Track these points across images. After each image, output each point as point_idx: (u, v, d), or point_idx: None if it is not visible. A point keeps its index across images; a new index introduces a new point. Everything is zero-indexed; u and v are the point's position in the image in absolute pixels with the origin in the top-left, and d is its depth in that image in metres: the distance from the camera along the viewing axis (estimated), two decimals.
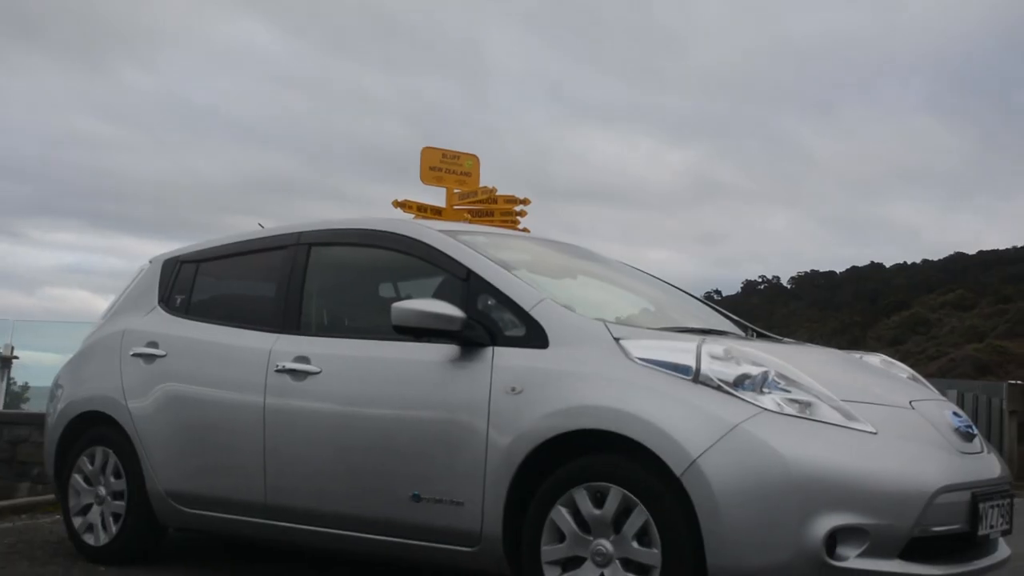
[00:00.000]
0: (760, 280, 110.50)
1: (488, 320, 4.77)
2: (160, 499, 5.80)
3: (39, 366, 15.65)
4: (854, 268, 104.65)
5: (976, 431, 4.72)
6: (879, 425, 4.23)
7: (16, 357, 13.80)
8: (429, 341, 4.80)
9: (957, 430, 4.55)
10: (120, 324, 6.35)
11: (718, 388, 4.18)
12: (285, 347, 5.39)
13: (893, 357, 5.59)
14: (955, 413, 4.72)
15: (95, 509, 6.10)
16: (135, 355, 6.06)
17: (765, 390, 4.20)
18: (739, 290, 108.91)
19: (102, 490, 6.07)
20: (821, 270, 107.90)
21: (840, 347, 5.92)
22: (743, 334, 5.46)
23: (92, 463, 6.14)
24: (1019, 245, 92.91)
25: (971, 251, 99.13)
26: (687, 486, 4.04)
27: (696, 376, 4.22)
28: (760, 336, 5.62)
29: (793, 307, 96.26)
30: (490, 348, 4.69)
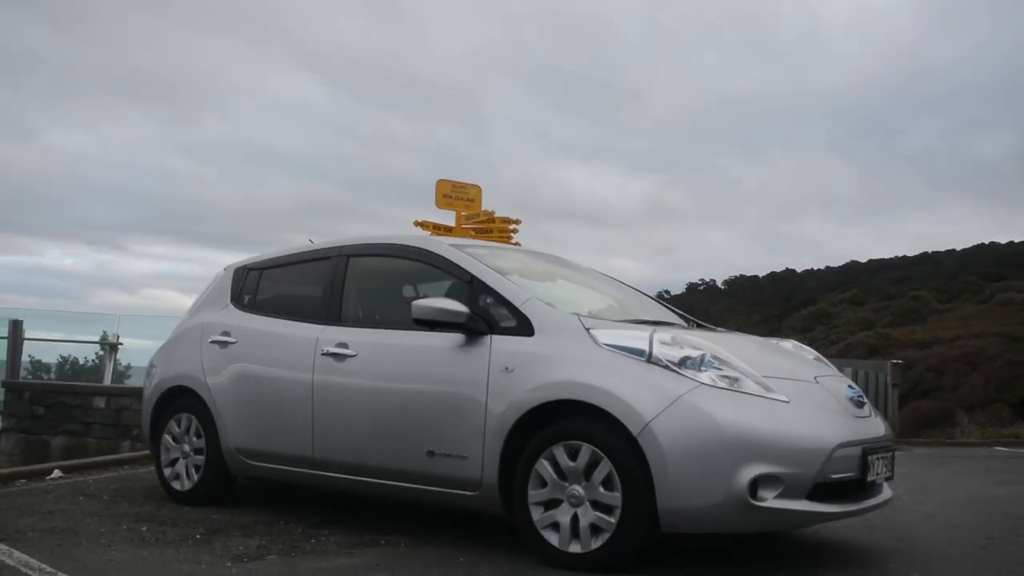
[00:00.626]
0: (700, 282, 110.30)
1: (487, 314, 4.76)
2: (231, 454, 5.77)
3: (138, 350, 15.64)
4: (773, 273, 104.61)
5: (866, 400, 4.71)
6: (791, 396, 4.23)
7: (121, 343, 13.75)
8: (441, 331, 4.79)
9: (851, 399, 4.55)
10: (201, 318, 6.31)
11: (666, 367, 4.18)
12: (329, 335, 5.36)
13: (802, 342, 5.58)
14: (850, 386, 4.72)
15: (181, 462, 6.06)
16: (212, 342, 6.02)
17: (703, 368, 4.20)
18: (684, 290, 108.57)
19: (186, 447, 6.04)
20: (748, 274, 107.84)
21: (762, 335, 5.90)
22: (686, 325, 5.44)
23: (179, 426, 6.11)
24: (900, 255, 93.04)
25: (863, 259, 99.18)
26: (642, 444, 4.03)
27: (649, 358, 4.22)
28: (699, 326, 5.60)
29: (726, 303, 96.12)
30: (488, 336, 4.68)
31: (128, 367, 15.52)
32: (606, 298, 5.75)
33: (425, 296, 5.24)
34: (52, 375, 15.36)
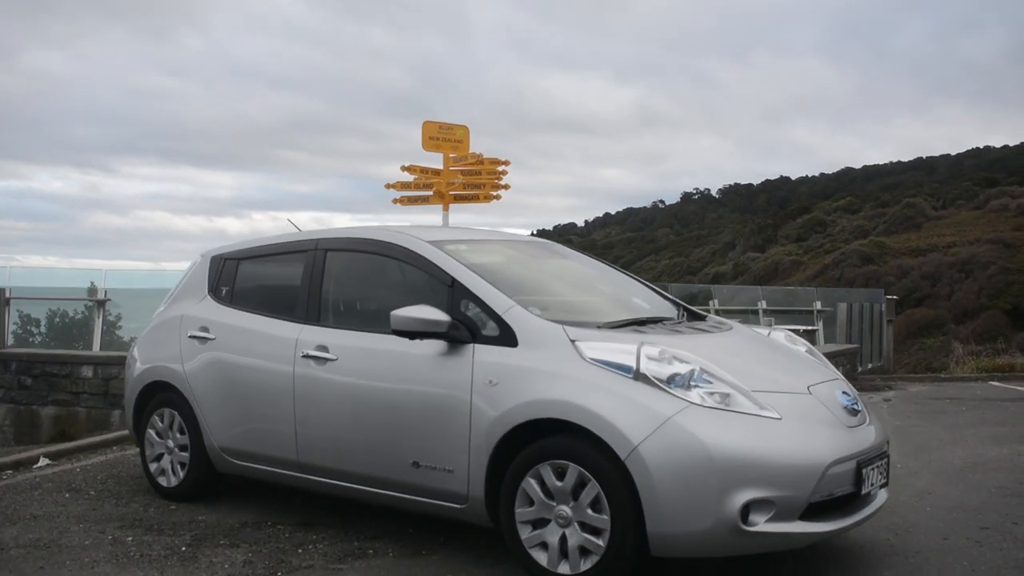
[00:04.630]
0: (695, 192, 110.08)
1: (469, 321, 4.61)
2: (215, 453, 5.67)
3: (128, 295, 15.49)
4: (767, 181, 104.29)
5: (860, 406, 4.58)
6: (783, 411, 4.10)
7: (108, 299, 13.58)
8: (422, 339, 4.63)
9: (845, 407, 4.42)
10: (179, 310, 6.15)
11: (654, 385, 4.04)
12: (308, 336, 5.21)
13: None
14: (844, 392, 4.58)
15: (166, 458, 5.97)
16: (191, 336, 5.87)
17: (692, 385, 4.07)
18: (678, 199, 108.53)
19: (170, 443, 5.94)
20: (742, 182, 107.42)
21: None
22: (676, 318, 5.25)
23: (162, 421, 6.00)
24: (894, 160, 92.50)
25: (857, 165, 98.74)
26: (630, 467, 3.92)
27: (636, 375, 4.08)
28: (690, 314, 5.43)
29: (720, 212, 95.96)
30: (471, 345, 4.54)
31: (118, 317, 15.38)
32: (594, 290, 5.59)
33: (406, 293, 5.09)
34: (43, 329, 15.22)
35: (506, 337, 4.46)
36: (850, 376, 13.65)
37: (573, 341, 4.31)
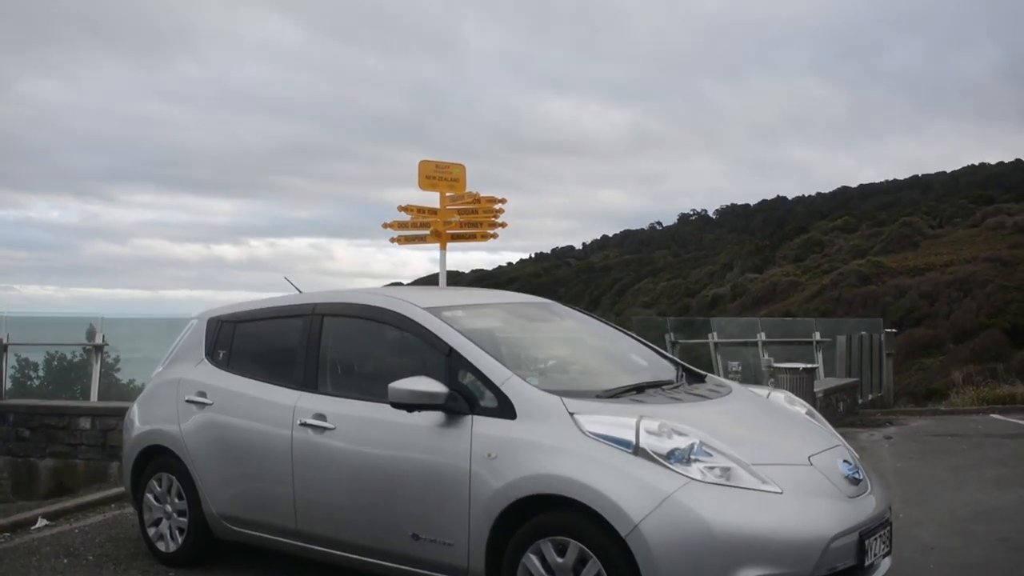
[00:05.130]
0: (691, 212, 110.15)
1: (467, 392, 4.58)
2: (214, 519, 5.62)
3: (126, 338, 15.44)
4: (764, 201, 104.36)
5: (861, 475, 4.53)
6: (784, 484, 4.06)
7: (107, 344, 13.53)
8: (420, 411, 4.60)
9: (847, 477, 4.37)
10: (177, 372, 6.11)
11: (654, 460, 4.01)
12: (306, 404, 5.19)
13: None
14: (845, 460, 4.54)
15: (164, 522, 5.92)
16: (188, 401, 5.84)
17: (692, 458, 4.04)
18: (676, 221, 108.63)
19: (169, 507, 5.89)
20: (739, 203, 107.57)
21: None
22: (675, 381, 5.21)
23: (160, 485, 5.96)
24: (890, 179, 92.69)
25: (853, 184, 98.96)
26: (631, 545, 3.89)
27: (636, 449, 4.05)
28: (689, 373, 5.39)
29: (718, 233, 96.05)
30: (469, 417, 4.51)
31: (117, 360, 15.32)
32: (592, 351, 5.57)
33: (404, 364, 5.05)
34: (41, 372, 15.17)
35: (504, 409, 4.44)
36: (851, 410, 13.64)
37: (572, 414, 4.28)
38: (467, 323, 5.01)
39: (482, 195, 13.73)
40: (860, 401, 14.27)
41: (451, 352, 4.73)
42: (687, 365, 5.57)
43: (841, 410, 13.03)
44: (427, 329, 4.90)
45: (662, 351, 5.73)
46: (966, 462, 9.12)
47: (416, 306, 5.08)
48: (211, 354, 6.00)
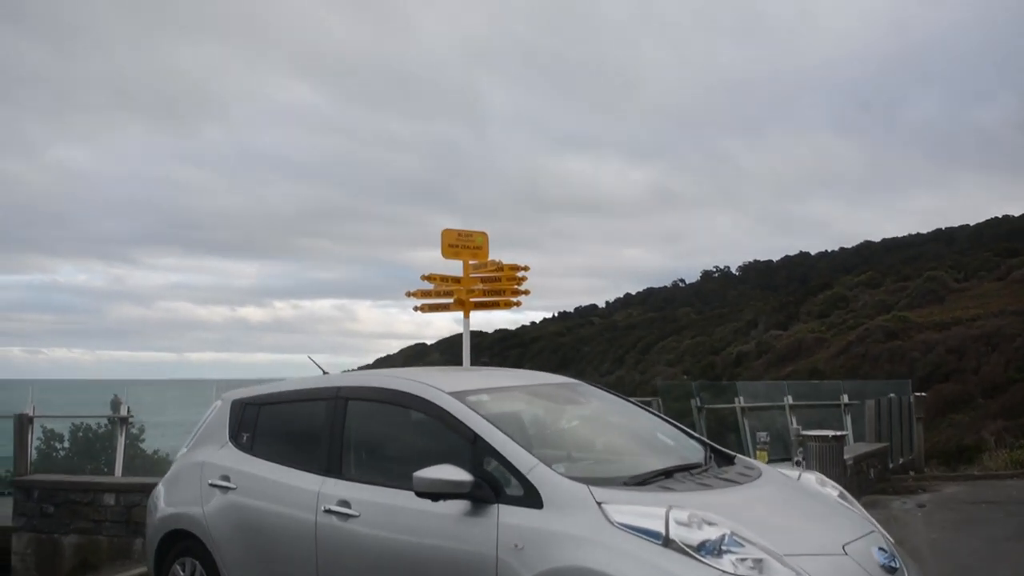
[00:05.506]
0: (714, 269, 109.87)
1: (492, 479, 4.50)
2: None
3: (151, 405, 15.46)
4: (787, 256, 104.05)
5: (898, 563, 4.41)
6: None
7: (132, 417, 13.52)
8: (445, 500, 4.53)
9: (883, 566, 4.25)
10: (200, 455, 6.07)
11: (684, 553, 3.91)
12: (330, 490, 5.12)
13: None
14: (880, 548, 4.42)
15: None
16: (212, 485, 5.79)
17: (723, 549, 3.93)
18: (699, 278, 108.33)
19: None
20: (761, 259, 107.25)
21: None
22: (703, 462, 5.11)
23: (183, 570, 5.88)
24: (913, 232, 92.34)
25: (876, 239, 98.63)
26: None
27: (665, 541, 3.96)
28: (719, 455, 5.28)
29: (741, 289, 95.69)
30: (495, 506, 4.42)
31: (141, 429, 15.29)
32: (619, 433, 5.49)
33: (428, 450, 4.99)
34: (66, 444, 15.18)
35: (531, 498, 4.35)
36: (881, 476, 13.41)
37: (600, 503, 4.19)
38: (492, 407, 4.95)
39: (505, 262, 13.77)
40: (891, 466, 14.04)
41: (476, 439, 4.67)
42: (715, 445, 5.47)
43: (872, 476, 12.82)
44: (452, 415, 4.85)
45: (689, 431, 5.64)
46: (1003, 532, 8.91)
47: (440, 390, 5.03)
48: (235, 437, 5.96)
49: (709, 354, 66.15)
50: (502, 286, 13.60)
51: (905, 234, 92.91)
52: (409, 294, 13.70)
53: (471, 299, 13.45)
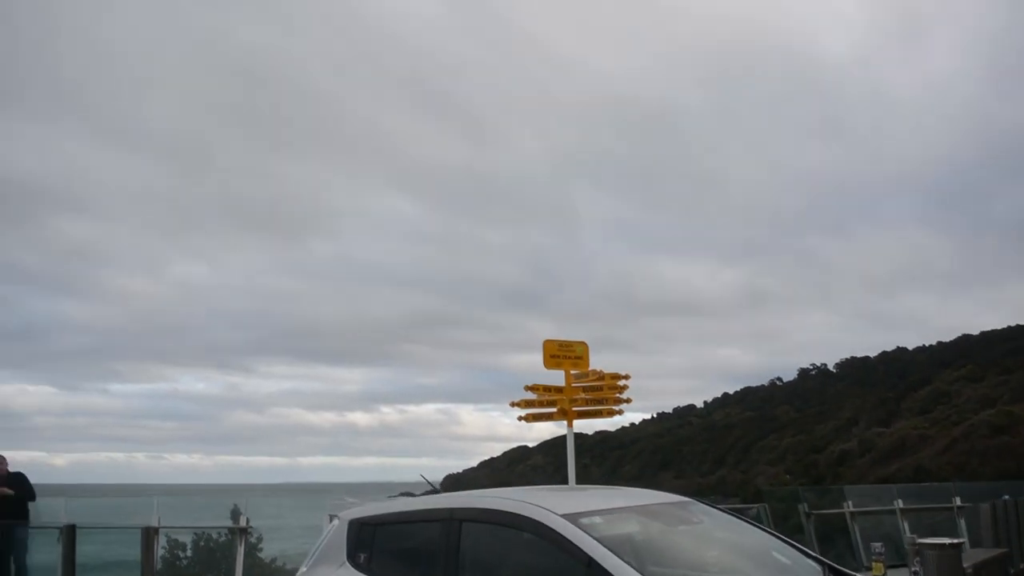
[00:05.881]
0: (811, 367, 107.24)
1: None
2: None
3: (268, 513, 15.58)
4: (884, 352, 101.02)
5: None
6: None
7: (251, 528, 13.65)
8: None
9: None
10: (320, 575, 6.06)
11: None
12: None
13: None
14: None
15: None
16: None
17: None
18: (796, 376, 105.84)
19: None
20: (858, 355, 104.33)
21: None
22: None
23: None
24: (1012, 324, 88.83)
25: (975, 332, 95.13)
26: None
27: None
28: (834, 573, 5.06)
29: (839, 387, 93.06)
30: None
31: (260, 539, 15.41)
32: (734, 554, 5.33)
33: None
34: (188, 552, 15.37)
35: None
36: None
37: None
38: (605, 530, 4.86)
39: (606, 370, 13.67)
40: (1011, 572, 13.23)
41: (591, 563, 4.57)
42: (833, 564, 5.25)
43: None
44: (565, 538, 4.77)
45: (804, 548, 5.42)
46: None
47: (553, 513, 4.96)
48: (352, 557, 5.96)
49: (811, 452, 64.24)
50: (604, 395, 13.50)
51: (1004, 326, 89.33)
52: (513, 404, 13.68)
53: (574, 408, 13.36)
